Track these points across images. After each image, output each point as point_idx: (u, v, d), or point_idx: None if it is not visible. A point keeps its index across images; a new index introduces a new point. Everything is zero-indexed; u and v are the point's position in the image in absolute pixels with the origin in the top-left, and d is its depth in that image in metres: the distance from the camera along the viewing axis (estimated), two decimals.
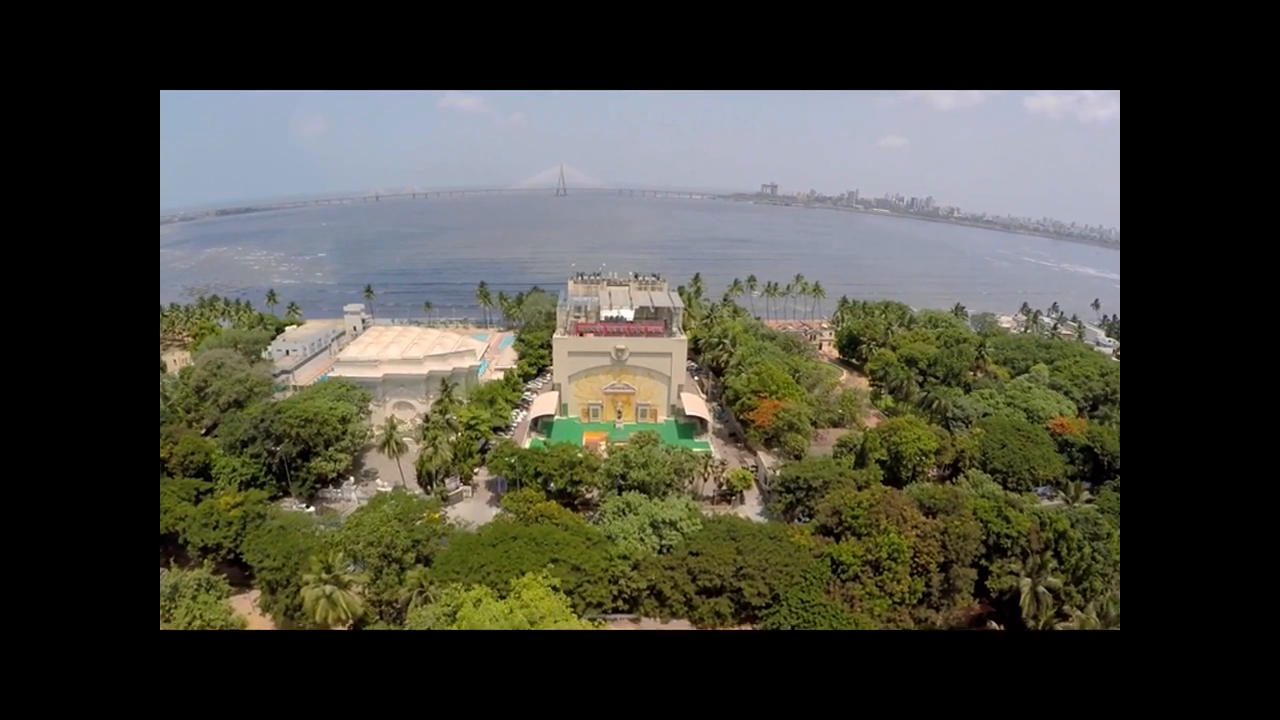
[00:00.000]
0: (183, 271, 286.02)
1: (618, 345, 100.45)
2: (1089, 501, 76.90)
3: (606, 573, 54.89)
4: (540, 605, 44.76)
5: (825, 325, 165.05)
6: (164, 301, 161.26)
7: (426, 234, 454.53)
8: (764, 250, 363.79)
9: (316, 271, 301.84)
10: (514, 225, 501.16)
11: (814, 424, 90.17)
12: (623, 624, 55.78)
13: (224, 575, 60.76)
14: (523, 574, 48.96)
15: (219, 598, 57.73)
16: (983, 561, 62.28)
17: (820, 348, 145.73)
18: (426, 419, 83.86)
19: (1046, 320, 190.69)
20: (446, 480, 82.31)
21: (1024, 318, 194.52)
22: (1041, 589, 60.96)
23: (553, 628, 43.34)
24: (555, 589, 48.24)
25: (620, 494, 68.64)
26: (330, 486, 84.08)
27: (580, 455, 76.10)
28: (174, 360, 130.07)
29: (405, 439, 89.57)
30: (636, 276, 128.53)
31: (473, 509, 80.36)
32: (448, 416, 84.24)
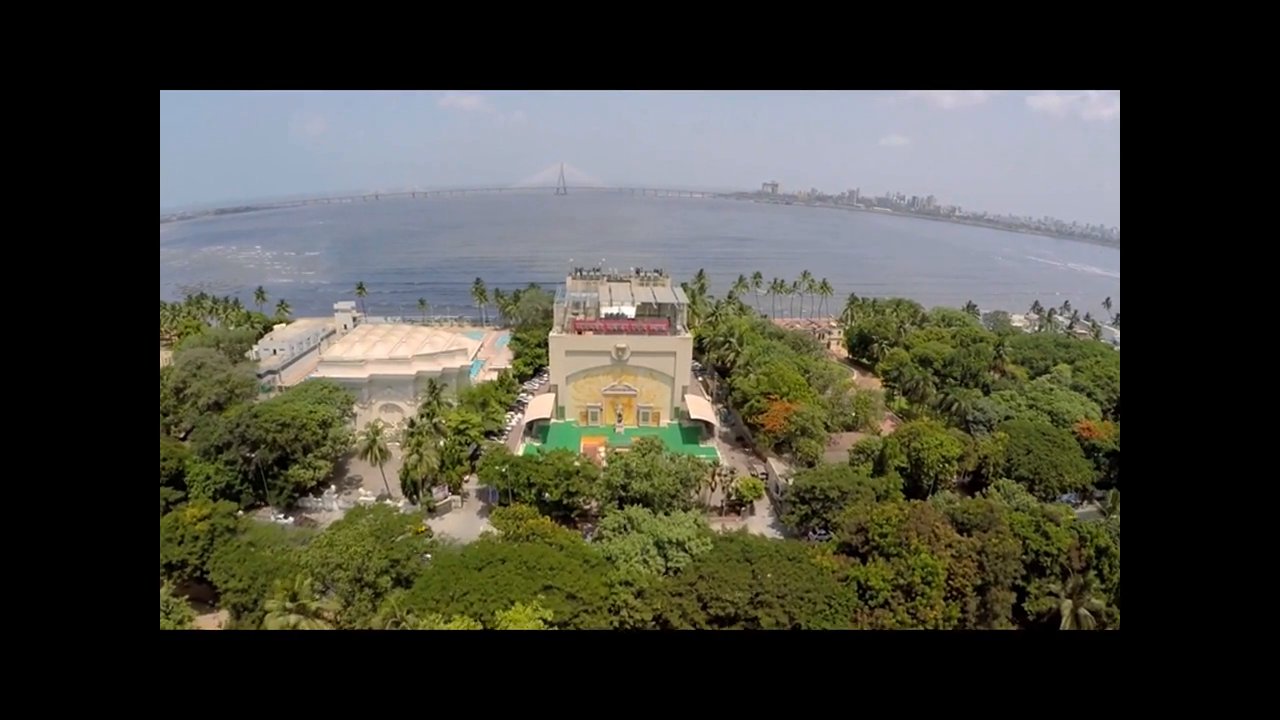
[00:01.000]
0: (177, 270, 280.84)
1: (618, 344, 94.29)
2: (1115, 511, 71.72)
3: (606, 601, 48.84)
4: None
5: (834, 324, 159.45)
6: None
7: (425, 233, 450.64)
8: (767, 249, 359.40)
9: (311, 269, 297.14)
10: (514, 224, 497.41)
11: (826, 427, 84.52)
12: None
13: (186, 596, 55.22)
14: (511, 604, 43.13)
15: (179, 622, 52.32)
16: (1019, 582, 56.75)
17: (829, 347, 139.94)
18: (412, 423, 78.01)
19: (1061, 319, 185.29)
20: (434, 489, 76.60)
21: (1035, 316, 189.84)
22: (1084, 611, 55.47)
23: None
24: (547, 622, 42.34)
25: (621, 507, 62.94)
26: (310, 495, 78.54)
27: (577, 464, 70.26)
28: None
29: (391, 444, 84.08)
30: (638, 272, 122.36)
31: (462, 521, 74.69)
32: (435, 420, 78.52)
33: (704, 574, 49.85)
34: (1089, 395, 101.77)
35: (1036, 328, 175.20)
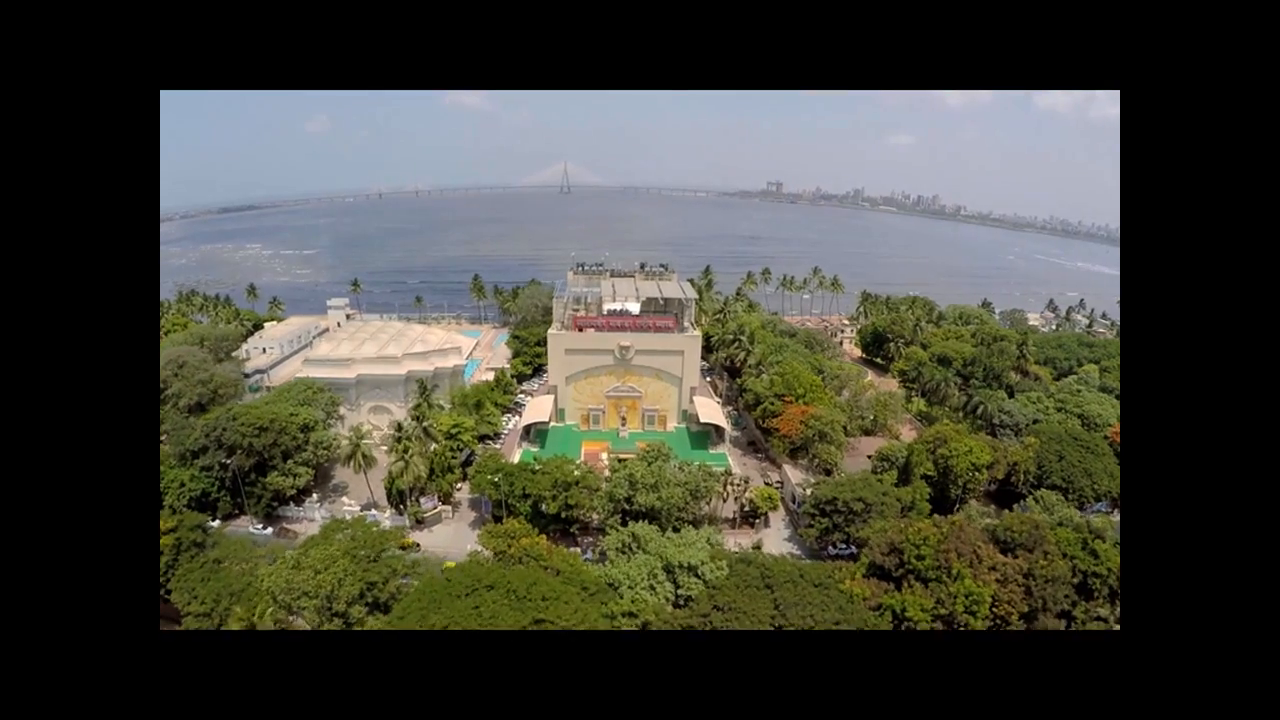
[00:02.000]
0: (176, 268, 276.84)
1: (622, 342, 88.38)
2: None
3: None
4: None
5: (846, 321, 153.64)
6: None
7: (426, 230, 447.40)
8: (774, 247, 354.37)
9: (309, 267, 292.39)
10: (517, 222, 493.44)
11: (845, 432, 78.84)
12: None
13: None
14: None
15: None
16: (1066, 606, 51.06)
17: (841, 345, 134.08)
18: (399, 427, 72.43)
19: (1080, 318, 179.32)
20: (422, 499, 71.05)
21: (1051, 315, 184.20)
22: None
23: None
24: None
25: (625, 522, 57.28)
26: (291, 504, 73.16)
27: (577, 473, 64.40)
28: None
29: (379, 449, 78.70)
30: (643, 267, 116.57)
31: (452, 533, 69.23)
32: (425, 424, 72.95)
33: (719, 604, 43.70)
34: (1118, 397, 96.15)
35: (1053, 326, 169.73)
